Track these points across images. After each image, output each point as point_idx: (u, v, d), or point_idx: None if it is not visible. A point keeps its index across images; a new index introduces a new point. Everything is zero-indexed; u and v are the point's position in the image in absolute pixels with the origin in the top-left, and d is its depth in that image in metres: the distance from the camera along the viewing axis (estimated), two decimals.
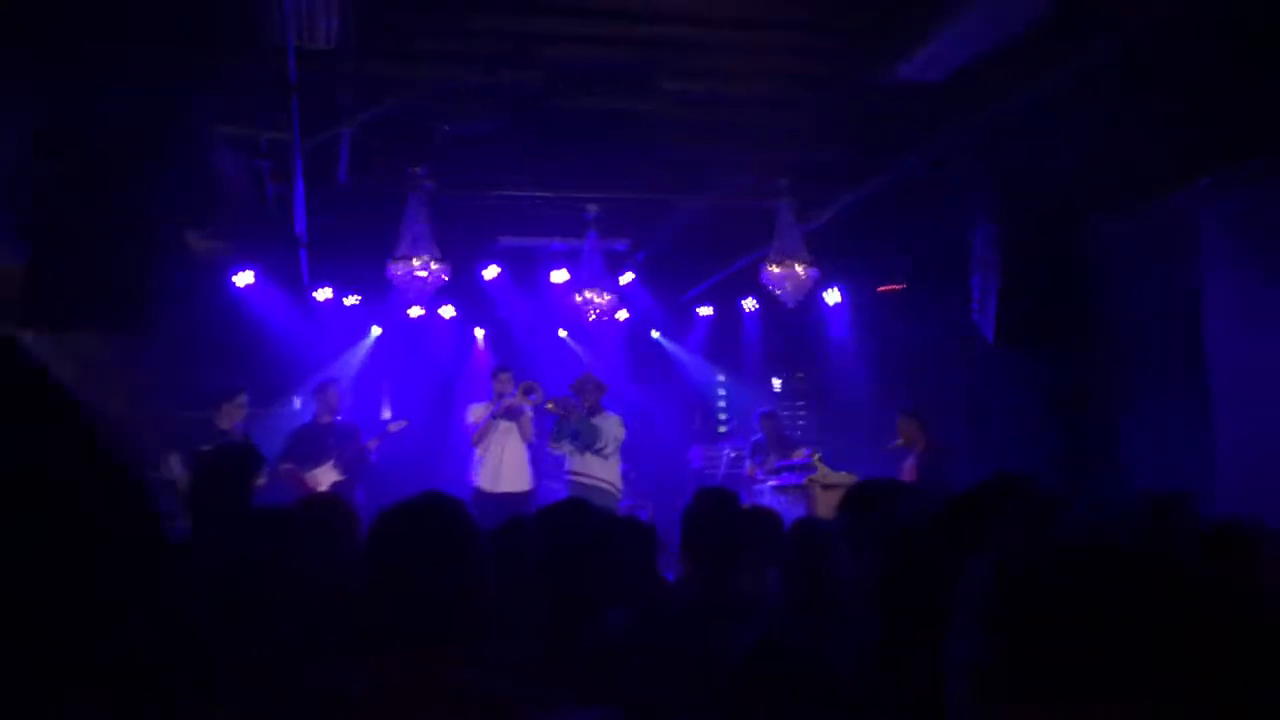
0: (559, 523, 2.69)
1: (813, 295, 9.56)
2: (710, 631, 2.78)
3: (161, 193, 6.06)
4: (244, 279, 9.63)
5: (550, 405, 8.65)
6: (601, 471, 8.54)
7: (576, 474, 8.61)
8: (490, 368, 11.47)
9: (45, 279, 5.80)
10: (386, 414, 11.19)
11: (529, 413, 8.89)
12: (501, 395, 8.93)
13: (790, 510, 8.56)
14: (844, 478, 8.43)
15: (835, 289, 10.90)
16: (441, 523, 2.02)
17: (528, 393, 8.88)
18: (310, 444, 8.88)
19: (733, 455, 10.90)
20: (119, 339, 8.44)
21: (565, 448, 8.68)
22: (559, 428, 8.62)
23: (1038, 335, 7.82)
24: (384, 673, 1.89)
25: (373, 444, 8.98)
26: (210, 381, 8.88)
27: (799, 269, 8.56)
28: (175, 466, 8.19)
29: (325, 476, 8.74)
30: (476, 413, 9.06)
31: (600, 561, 2.61)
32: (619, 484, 8.84)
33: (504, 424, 8.96)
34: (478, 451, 9.00)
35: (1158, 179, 7.10)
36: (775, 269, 8.60)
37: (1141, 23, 5.33)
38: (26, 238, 5.93)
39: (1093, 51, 5.66)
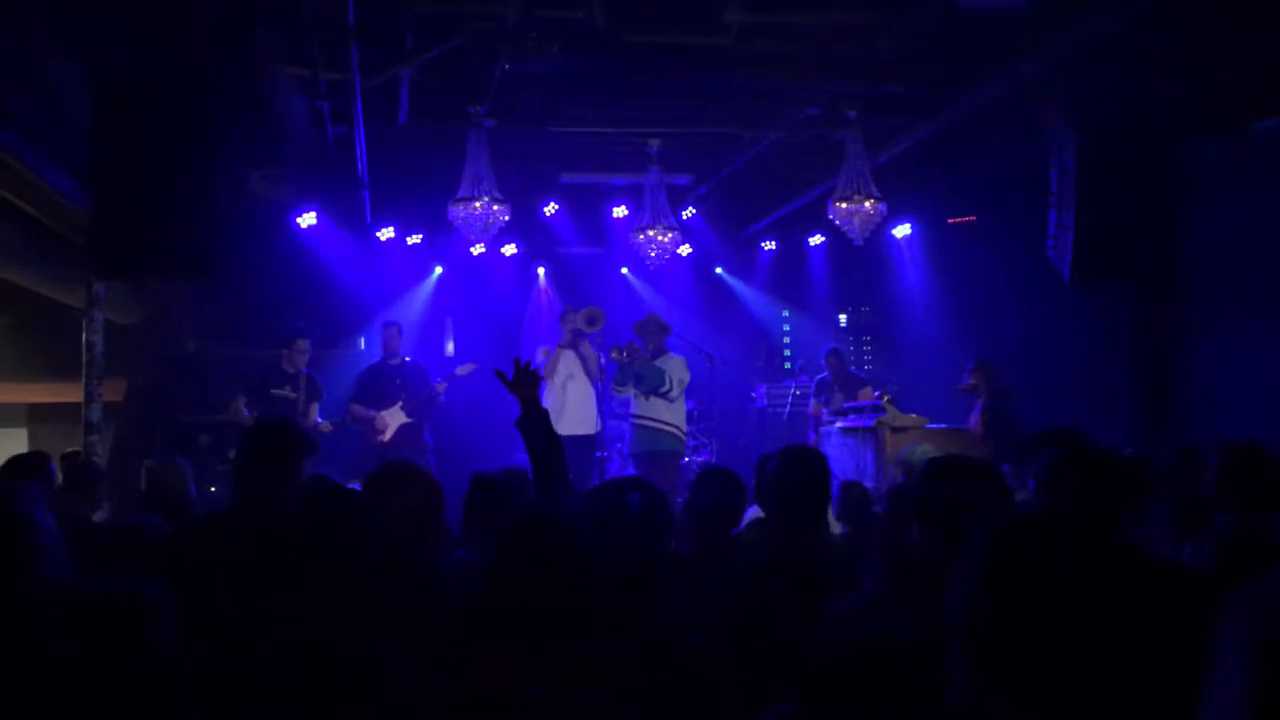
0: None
1: (881, 229, 9.30)
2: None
3: (227, 135, 6.00)
4: (307, 220, 9.62)
5: (615, 353, 8.56)
6: (666, 414, 8.44)
7: (640, 417, 8.53)
8: (552, 305, 11.43)
9: (112, 227, 5.79)
10: (450, 351, 11.20)
11: (593, 348, 8.80)
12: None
13: (859, 453, 8.45)
14: (914, 420, 8.26)
15: (906, 224, 10.61)
16: (561, 540, 2.06)
17: (591, 321, 8.79)
18: (379, 385, 8.94)
19: (797, 393, 10.75)
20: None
21: (629, 391, 8.60)
22: (623, 371, 8.55)
23: (1116, 270, 7.54)
24: (496, 675, 1.94)
25: (441, 387, 8.99)
26: (276, 322, 8.94)
27: (867, 205, 8.29)
28: (243, 409, 8.32)
29: (393, 418, 8.81)
30: (545, 353, 9.04)
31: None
32: (684, 425, 8.76)
33: (569, 366, 8.91)
34: (545, 387, 8.96)
35: (1243, 105, 6.78)
36: (843, 205, 8.35)
37: None
38: (92, 184, 5.92)
39: None
